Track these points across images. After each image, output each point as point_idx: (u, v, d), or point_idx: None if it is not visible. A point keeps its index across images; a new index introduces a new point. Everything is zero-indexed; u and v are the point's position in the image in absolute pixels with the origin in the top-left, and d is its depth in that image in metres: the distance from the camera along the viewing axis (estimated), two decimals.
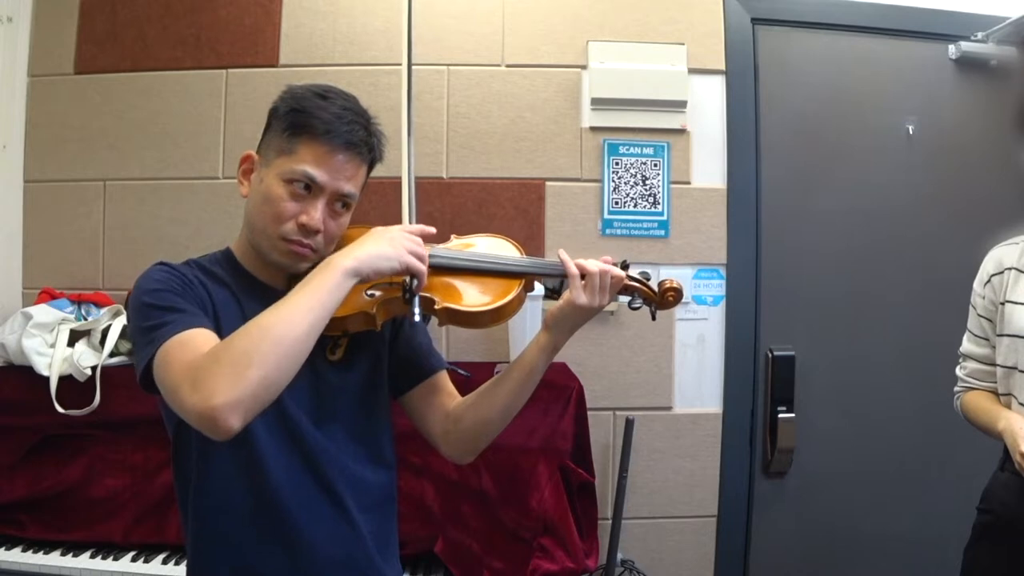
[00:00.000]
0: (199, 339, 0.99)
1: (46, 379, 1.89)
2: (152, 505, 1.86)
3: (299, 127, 1.10)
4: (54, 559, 1.80)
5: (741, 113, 2.30)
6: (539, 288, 1.28)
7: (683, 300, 1.33)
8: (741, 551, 2.31)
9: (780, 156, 2.33)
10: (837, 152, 2.35)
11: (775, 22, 2.33)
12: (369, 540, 1.17)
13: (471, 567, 1.84)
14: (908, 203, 2.36)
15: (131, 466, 1.90)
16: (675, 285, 1.26)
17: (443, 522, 1.88)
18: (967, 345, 1.76)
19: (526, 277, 1.22)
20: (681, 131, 2.28)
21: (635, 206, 2.27)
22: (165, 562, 1.81)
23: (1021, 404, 1.57)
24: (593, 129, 2.28)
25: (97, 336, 1.98)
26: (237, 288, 1.15)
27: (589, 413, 2.07)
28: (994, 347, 1.67)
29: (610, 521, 2.15)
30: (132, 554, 1.83)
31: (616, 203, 2.27)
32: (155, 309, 1.03)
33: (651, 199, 2.27)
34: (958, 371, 1.79)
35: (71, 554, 1.82)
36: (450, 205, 2.24)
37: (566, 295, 1.19)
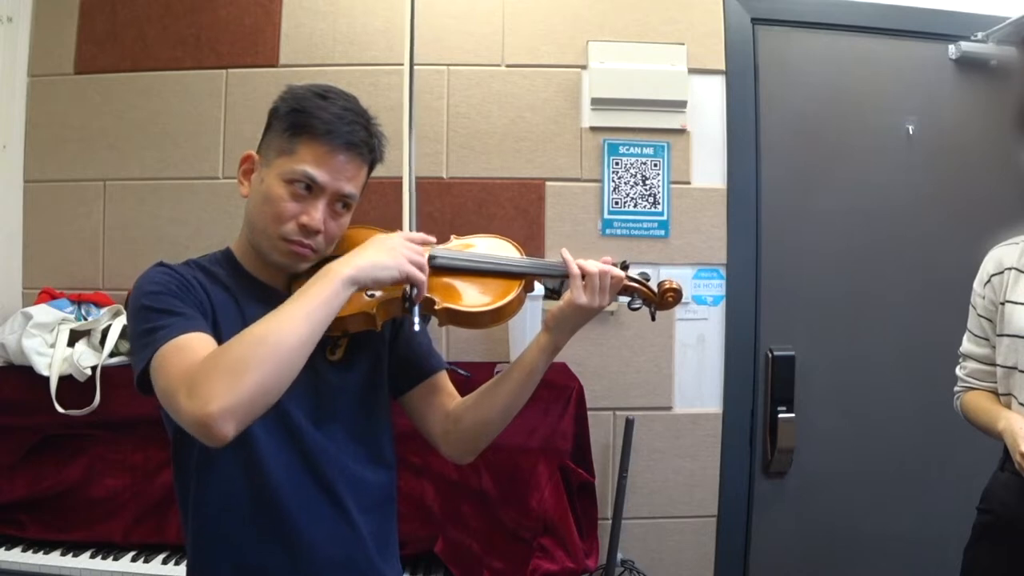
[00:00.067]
0: (196, 344, 0.99)
1: (46, 379, 1.89)
2: (152, 505, 1.86)
3: (300, 127, 1.10)
4: (54, 559, 1.80)
5: (741, 113, 2.30)
6: (539, 288, 1.27)
7: (683, 300, 1.33)
8: (741, 551, 2.31)
9: (780, 156, 2.33)
10: (837, 152, 2.35)
11: (775, 22, 2.33)
12: (369, 541, 1.17)
13: (471, 567, 1.84)
14: (908, 203, 2.36)
15: (131, 466, 1.90)
16: (674, 286, 1.26)
17: (443, 522, 1.88)
18: (967, 345, 1.76)
19: (526, 277, 1.22)
20: (681, 131, 2.28)
21: (635, 206, 2.27)
22: (165, 562, 1.81)
23: (1021, 404, 1.57)
24: (593, 129, 2.28)
25: (97, 336, 1.98)
26: (236, 289, 1.15)
27: (589, 413, 2.07)
28: (994, 347, 1.67)
29: (610, 521, 2.15)
30: (132, 554, 1.83)
31: (616, 203, 2.27)
32: (153, 312, 1.03)
33: (651, 199, 2.27)
34: (958, 371, 1.79)
35: (71, 554, 1.82)
36: (450, 205, 2.24)
37: (566, 296, 1.19)
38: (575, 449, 2.01)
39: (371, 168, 1.19)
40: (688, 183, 2.29)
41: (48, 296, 2.13)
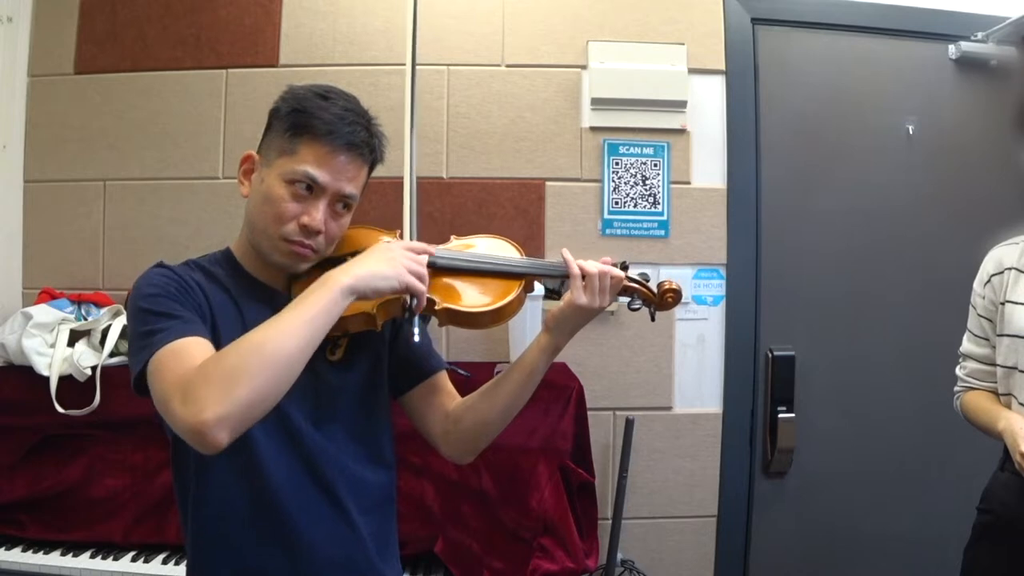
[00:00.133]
0: (192, 349, 0.98)
1: (46, 379, 1.89)
2: (152, 505, 1.86)
3: (301, 128, 1.10)
4: (54, 559, 1.80)
5: (741, 113, 2.30)
6: (539, 288, 1.28)
7: (683, 301, 1.33)
8: (741, 551, 2.31)
9: (780, 156, 2.33)
10: (837, 152, 2.35)
11: (775, 22, 2.33)
12: (369, 541, 1.17)
13: (471, 567, 1.84)
14: (908, 203, 2.36)
15: (131, 466, 1.90)
16: (674, 286, 1.26)
17: (443, 522, 1.88)
18: (967, 345, 1.76)
19: (526, 278, 1.22)
20: (681, 131, 2.28)
21: (635, 206, 2.27)
22: (165, 562, 1.81)
23: (1021, 404, 1.57)
24: (593, 129, 2.28)
25: (97, 336, 1.98)
26: (236, 290, 1.15)
27: (589, 413, 2.07)
28: (994, 347, 1.67)
29: (610, 521, 2.15)
30: (132, 554, 1.83)
31: (616, 203, 2.27)
32: (151, 315, 1.03)
33: (651, 199, 2.27)
34: (958, 371, 1.79)
35: (71, 554, 1.82)
36: (450, 205, 2.24)
37: (567, 296, 1.20)
38: (575, 449, 2.01)
39: (371, 168, 1.19)
40: (688, 183, 2.29)
41: (48, 296, 2.13)
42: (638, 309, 1.27)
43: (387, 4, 2.26)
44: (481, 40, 2.27)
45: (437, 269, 1.18)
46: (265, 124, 1.17)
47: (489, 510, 1.91)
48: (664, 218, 2.28)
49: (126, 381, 1.05)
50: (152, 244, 2.23)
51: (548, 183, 2.27)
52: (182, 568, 1.77)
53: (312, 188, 1.10)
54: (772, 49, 2.34)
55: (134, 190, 2.26)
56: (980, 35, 2.32)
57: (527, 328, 1.98)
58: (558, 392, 2.02)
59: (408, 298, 1.09)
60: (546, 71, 2.28)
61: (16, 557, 1.81)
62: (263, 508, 1.10)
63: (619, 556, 2.15)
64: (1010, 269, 1.64)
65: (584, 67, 2.27)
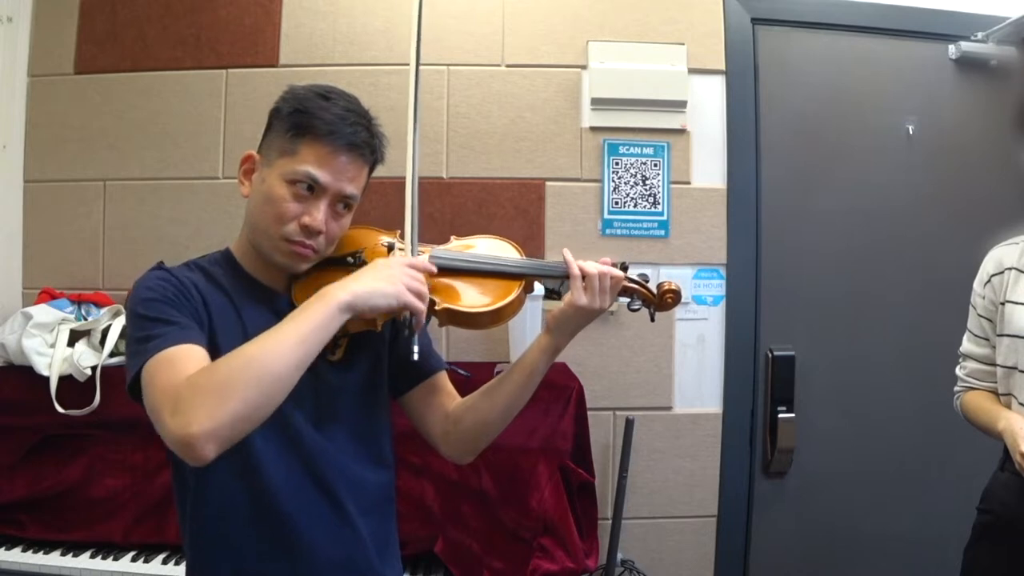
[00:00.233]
0: (185, 357, 0.98)
1: (46, 379, 1.89)
2: (152, 505, 1.86)
3: (302, 128, 1.10)
4: (54, 559, 1.80)
5: (741, 113, 2.30)
6: (539, 288, 1.28)
7: (682, 301, 1.33)
8: (741, 551, 2.31)
9: (780, 156, 2.33)
10: (837, 152, 2.35)
11: (775, 22, 2.33)
12: (369, 542, 1.17)
13: (471, 567, 1.84)
14: (908, 203, 2.36)
15: (131, 466, 1.90)
16: (673, 287, 1.26)
17: (443, 522, 1.88)
18: (967, 345, 1.76)
19: (526, 278, 1.22)
20: (681, 131, 2.28)
21: (635, 206, 2.27)
22: (165, 562, 1.81)
23: (1021, 404, 1.57)
24: (593, 129, 2.28)
25: (97, 336, 1.98)
26: (234, 291, 1.15)
27: (589, 413, 2.07)
28: (994, 347, 1.67)
29: (610, 521, 2.15)
30: (132, 554, 1.83)
31: (616, 203, 2.27)
32: (147, 320, 1.02)
33: (651, 199, 2.27)
34: (958, 371, 1.79)
35: (71, 554, 1.82)
36: (450, 205, 2.24)
37: (567, 297, 1.20)
38: (575, 449, 2.01)
39: (372, 169, 1.19)
40: (688, 183, 2.29)
41: (48, 296, 2.13)
42: (638, 310, 1.27)
43: (387, 4, 2.26)
44: (481, 40, 2.27)
45: (437, 270, 1.18)
46: (265, 124, 1.17)
47: (489, 510, 1.90)
48: (664, 218, 2.28)
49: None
50: (152, 244, 2.23)
51: (548, 183, 2.27)
52: (182, 568, 1.76)
53: (313, 188, 1.10)
54: (772, 49, 2.34)
55: (134, 190, 2.26)
56: (980, 35, 2.32)
57: (527, 328, 1.98)
58: (558, 392, 2.02)
59: (408, 315, 1.08)
60: (546, 71, 2.28)
61: (16, 557, 1.81)
62: (262, 508, 1.10)
63: (619, 556, 2.15)
64: (1010, 269, 1.64)
65: (584, 67, 2.27)
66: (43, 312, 1.99)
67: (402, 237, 1.23)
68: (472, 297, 1.19)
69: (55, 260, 2.25)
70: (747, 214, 2.30)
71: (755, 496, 2.32)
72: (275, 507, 1.09)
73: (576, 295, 1.17)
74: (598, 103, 2.26)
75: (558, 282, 1.24)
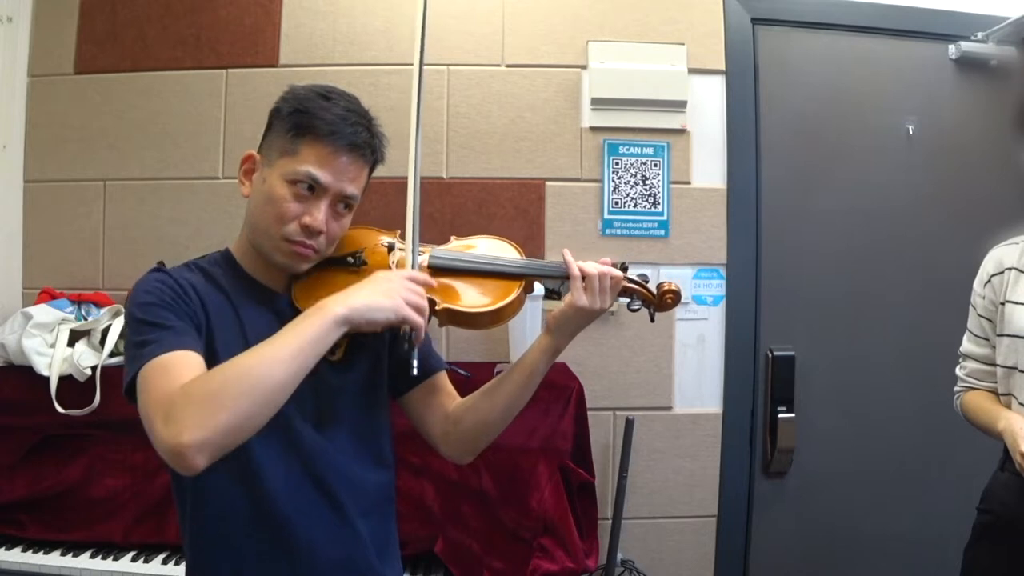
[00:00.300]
0: (180, 364, 0.97)
1: (46, 379, 1.89)
2: (152, 505, 1.86)
3: (303, 128, 1.10)
4: (54, 559, 1.80)
5: (741, 113, 2.30)
6: (539, 288, 1.28)
7: (682, 301, 1.33)
8: (741, 551, 2.31)
9: (780, 156, 2.33)
10: (837, 152, 2.35)
11: (775, 22, 2.33)
12: (369, 542, 1.17)
13: (471, 567, 1.84)
14: (908, 203, 2.36)
15: (131, 466, 1.90)
16: (673, 287, 1.26)
17: (443, 522, 1.88)
18: (967, 345, 1.76)
19: (526, 278, 1.22)
20: (681, 131, 2.28)
21: (635, 206, 2.27)
22: (165, 562, 1.81)
23: (1021, 404, 1.57)
24: (593, 129, 2.28)
25: (97, 336, 1.98)
26: (234, 292, 1.15)
27: (589, 413, 2.07)
28: (994, 347, 1.67)
29: (610, 521, 2.15)
30: (132, 554, 1.83)
31: (616, 203, 2.27)
32: (144, 324, 1.02)
33: (651, 199, 2.27)
34: (958, 371, 1.79)
35: (71, 554, 1.82)
36: (450, 205, 2.24)
37: (567, 298, 1.20)
38: (575, 449, 2.01)
39: (372, 169, 1.20)
40: (688, 183, 2.29)
41: (48, 296, 2.13)
42: (637, 310, 1.27)
43: (387, 4, 2.26)
44: (481, 40, 2.27)
45: (437, 269, 1.18)
46: (265, 124, 1.17)
47: (489, 510, 1.90)
48: (664, 218, 2.28)
49: None
50: (152, 244, 2.23)
51: (548, 183, 2.27)
52: (182, 568, 1.76)
53: (314, 188, 1.10)
54: (772, 49, 2.34)
55: (134, 190, 2.26)
56: (980, 35, 2.32)
57: (527, 328, 1.98)
58: (558, 392, 2.02)
59: (407, 329, 1.08)
60: (546, 71, 2.28)
61: (16, 557, 1.81)
62: (262, 509, 1.09)
63: (619, 556, 2.15)
64: (1010, 269, 1.64)
65: (584, 67, 2.27)
66: (43, 312, 1.99)
67: (402, 237, 1.23)
68: (472, 297, 1.19)
69: (55, 260, 2.25)
70: (747, 214, 2.30)
71: (755, 496, 2.33)
72: (275, 508, 1.09)
73: (576, 295, 1.17)
74: (598, 103, 2.26)
75: (558, 282, 1.24)
